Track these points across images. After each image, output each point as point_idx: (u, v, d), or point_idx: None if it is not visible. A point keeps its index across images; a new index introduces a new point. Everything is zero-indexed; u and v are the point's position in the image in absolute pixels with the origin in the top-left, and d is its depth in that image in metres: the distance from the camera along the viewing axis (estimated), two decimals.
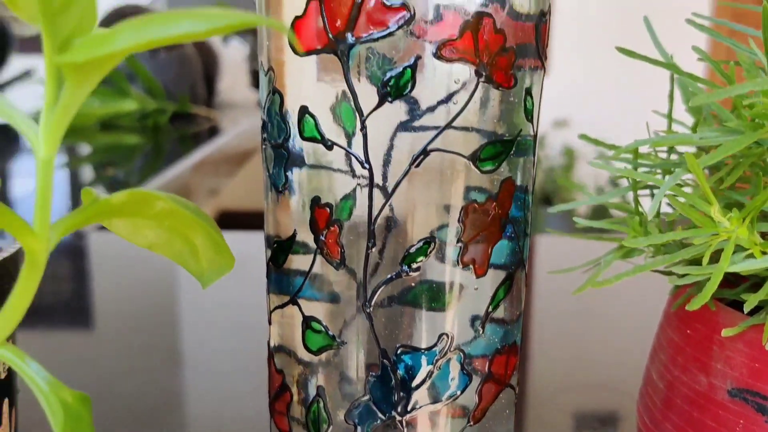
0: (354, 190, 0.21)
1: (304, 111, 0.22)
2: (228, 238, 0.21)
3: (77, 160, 1.36)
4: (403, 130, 0.21)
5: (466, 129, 0.21)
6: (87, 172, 1.31)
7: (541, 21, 0.22)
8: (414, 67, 0.20)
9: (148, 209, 0.15)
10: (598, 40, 2.80)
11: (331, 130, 0.21)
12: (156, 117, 1.56)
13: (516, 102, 0.22)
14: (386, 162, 0.21)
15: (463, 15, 0.20)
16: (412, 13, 0.20)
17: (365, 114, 0.21)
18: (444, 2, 0.20)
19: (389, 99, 0.21)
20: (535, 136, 0.24)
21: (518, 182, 0.23)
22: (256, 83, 2.24)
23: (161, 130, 1.57)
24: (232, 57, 2.07)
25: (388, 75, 0.20)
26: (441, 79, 0.21)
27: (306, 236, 0.22)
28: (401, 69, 0.20)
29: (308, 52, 0.21)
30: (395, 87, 0.20)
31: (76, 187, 1.11)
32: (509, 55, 0.21)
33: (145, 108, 1.55)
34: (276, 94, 0.22)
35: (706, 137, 0.23)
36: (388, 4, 0.20)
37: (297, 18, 0.21)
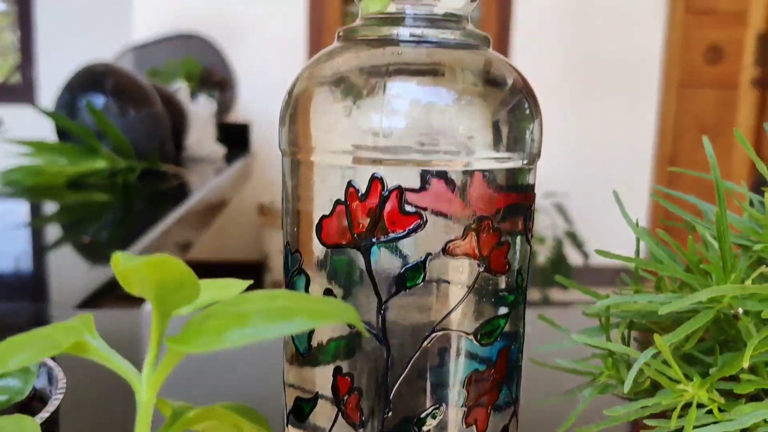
0: (373, 363, 0.25)
1: (328, 293, 0.25)
2: None
3: (45, 218, 1.36)
4: (416, 312, 0.24)
5: (468, 309, 0.25)
6: (55, 231, 1.31)
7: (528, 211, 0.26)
8: (425, 262, 0.24)
9: (219, 422, 0.19)
10: (555, 104, 2.92)
11: None
12: (125, 175, 1.57)
13: (510, 282, 0.26)
14: (401, 341, 0.24)
15: (466, 221, 0.24)
16: (425, 219, 0.24)
17: (384, 299, 0.24)
18: (447, 210, 0.24)
19: (404, 288, 0.24)
20: (524, 304, 0.27)
21: (513, 346, 0.26)
22: (222, 138, 2.26)
23: (131, 188, 1.58)
24: (200, 113, 2.10)
25: (404, 268, 0.24)
26: (449, 270, 0.24)
27: (327, 396, 0.26)
28: (415, 264, 0.24)
29: (333, 246, 0.25)
30: (410, 278, 0.24)
31: (42, 246, 1.11)
32: (504, 248, 0.25)
33: (115, 166, 1.57)
34: (302, 274, 0.26)
35: (660, 301, 0.27)
36: (404, 212, 0.24)
37: (324, 217, 0.25)
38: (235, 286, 0.19)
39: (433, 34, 0.25)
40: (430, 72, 0.25)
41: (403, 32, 0.25)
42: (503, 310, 0.26)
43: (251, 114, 2.78)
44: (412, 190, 0.24)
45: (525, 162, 0.25)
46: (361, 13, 0.27)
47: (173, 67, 2.35)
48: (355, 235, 0.24)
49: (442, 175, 0.24)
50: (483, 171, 0.24)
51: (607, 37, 2.95)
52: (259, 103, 2.80)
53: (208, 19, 2.71)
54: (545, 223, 2.72)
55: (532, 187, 0.26)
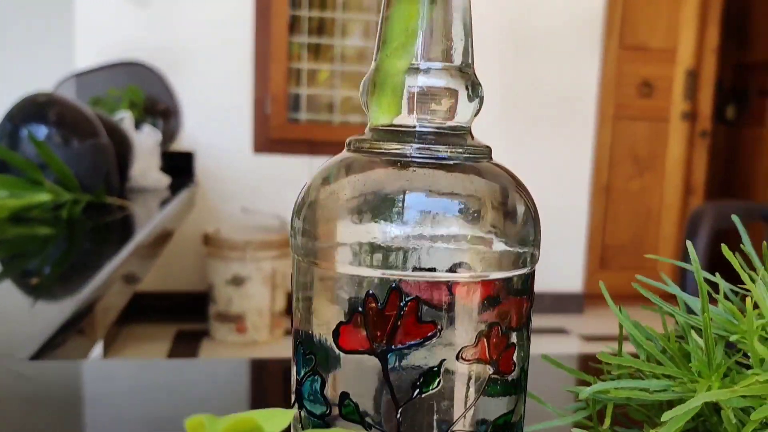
0: None
1: (345, 396, 0.26)
2: None
3: None
4: (430, 414, 0.26)
5: (478, 408, 0.26)
6: None
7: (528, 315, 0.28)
8: (440, 368, 0.25)
9: None
10: (500, 140, 2.99)
11: (369, 412, 0.26)
12: (70, 208, 1.53)
13: (515, 378, 0.27)
14: None
15: (478, 328, 0.26)
16: (440, 328, 0.25)
17: (401, 403, 0.25)
18: (460, 318, 0.25)
19: (420, 393, 0.25)
20: (525, 392, 0.29)
21: None
22: (166, 166, 2.23)
23: (75, 222, 1.54)
24: (145, 142, 2.07)
25: (419, 374, 0.25)
26: (461, 374, 0.26)
27: None
28: (430, 369, 0.25)
29: (350, 352, 0.26)
30: (425, 383, 0.25)
31: None
32: (511, 350, 0.27)
33: (59, 199, 1.53)
34: (317, 376, 0.27)
35: (645, 387, 0.29)
36: (421, 321, 0.25)
37: (342, 323, 0.26)
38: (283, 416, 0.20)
39: (443, 150, 0.27)
40: (445, 192, 0.26)
41: (415, 150, 0.27)
42: (510, 406, 0.27)
43: (195, 142, 2.75)
44: (428, 302, 0.25)
45: (530, 269, 0.27)
46: (369, 123, 0.28)
47: (116, 95, 2.31)
48: (373, 343, 0.25)
49: (457, 287, 0.25)
50: (494, 281, 0.26)
51: (545, 71, 3.05)
52: (203, 132, 2.78)
53: (152, 47, 2.68)
54: None
55: (533, 286, 0.28)
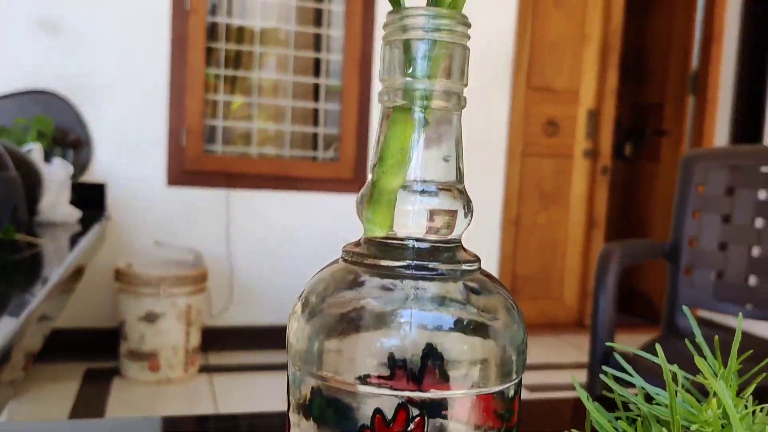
0: None
1: None
2: None
3: None
4: None
5: None
6: None
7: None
8: None
9: None
10: None
11: None
12: None
13: None
14: None
15: None
16: None
17: None
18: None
19: None
20: None
21: None
22: (77, 199, 2.16)
23: None
24: (55, 175, 2.00)
25: None
26: None
27: None
28: None
29: None
30: None
31: None
32: None
33: None
34: None
35: None
36: None
37: None
38: None
39: (439, 267, 0.28)
40: (443, 309, 0.27)
41: (413, 266, 0.28)
42: None
43: (108, 174, 2.68)
44: (434, 417, 0.27)
45: (521, 375, 0.30)
46: (365, 234, 0.30)
47: (24, 125, 2.22)
48: None
49: (460, 402, 0.27)
50: (493, 393, 0.28)
51: None
52: (116, 163, 2.71)
53: (63, 75, 2.60)
54: None
55: (521, 383, 0.30)
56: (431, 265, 0.28)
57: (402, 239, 0.29)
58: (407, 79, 0.28)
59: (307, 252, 2.93)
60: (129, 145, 2.73)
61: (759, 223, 1.81)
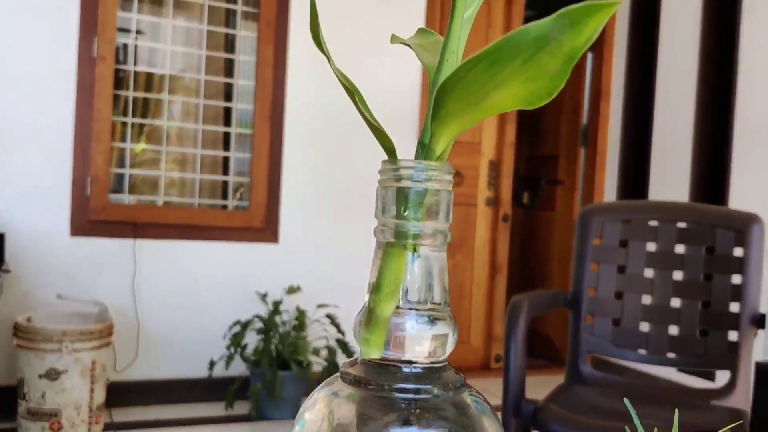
0: None
1: None
2: None
3: None
4: None
5: None
6: None
7: None
8: None
9: None
10: (320, 223, 3.10)
11: None
12: None
13: None
14: None
15: None
16: None
17: None
18: None
19: None
20: None
21: None
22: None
23: None
24: None
25: None
26: None
27: None
28: None
29: None
30: None
31: None
32: None
33: None
34: None
35: None
36: None
37: None
38: None
39: (431, 389, 0.32)
40: (435, 427, 0.31)
41: (408, 387, 0.32)
42: None
43: (7, 223, 2.56)
44: None
45: None
46: (361, 355, 0.34)
47: None
48: None
49: None
50: None
51: (359, 159, 3.23)
52: (16, 212, 2.60)
53: None
54: (318, 333, 2.83)
55: None
56: (425, 389, 0.32)
57: (396, 362, 0.33)
58: (400, 221, 0.33)
59: (217, 302, 2.89)
60: (30, 194, 2.63)
61: (649, 273, 1.96)
